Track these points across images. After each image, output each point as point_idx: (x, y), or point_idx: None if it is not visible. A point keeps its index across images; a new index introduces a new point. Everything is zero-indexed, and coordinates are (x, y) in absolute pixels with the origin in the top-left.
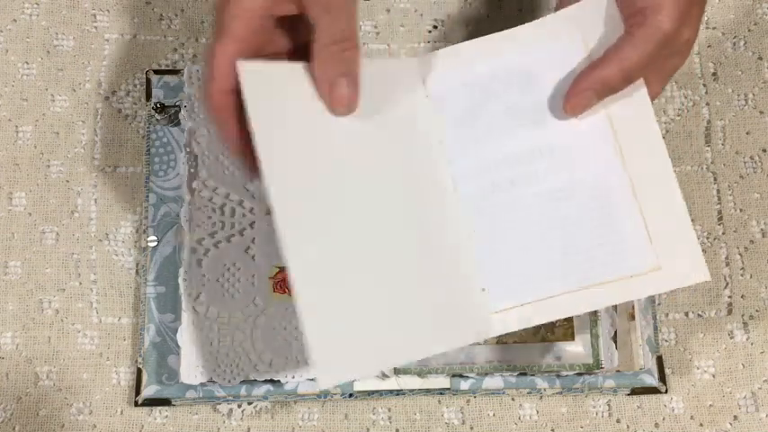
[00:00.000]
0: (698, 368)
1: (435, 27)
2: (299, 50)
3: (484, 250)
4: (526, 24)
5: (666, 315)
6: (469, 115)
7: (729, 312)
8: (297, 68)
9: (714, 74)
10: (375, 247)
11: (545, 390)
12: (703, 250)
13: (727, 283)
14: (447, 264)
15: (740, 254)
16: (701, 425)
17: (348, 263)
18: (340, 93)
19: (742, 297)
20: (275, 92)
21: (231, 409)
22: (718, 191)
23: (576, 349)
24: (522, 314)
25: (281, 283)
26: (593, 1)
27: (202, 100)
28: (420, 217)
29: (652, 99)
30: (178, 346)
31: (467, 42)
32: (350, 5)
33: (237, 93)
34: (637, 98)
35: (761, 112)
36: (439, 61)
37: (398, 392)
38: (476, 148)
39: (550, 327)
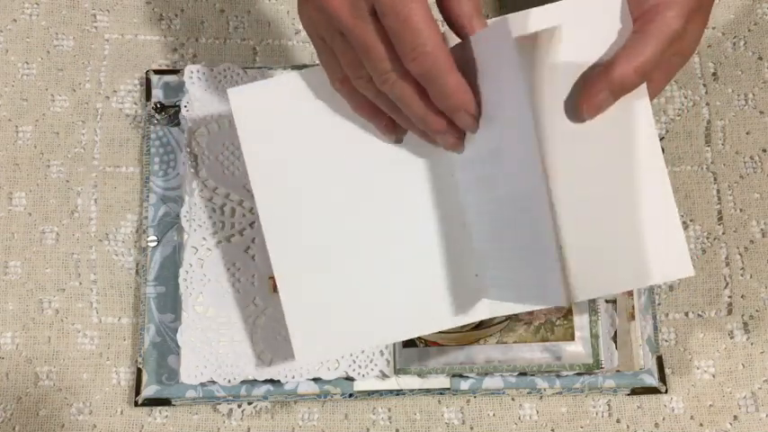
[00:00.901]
0: (698, 368)
1: None
2: None
3: (475, 239)
4: (535, 9)
5: (666, 315)
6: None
7: (729, 312)
8: (281, 81)
9: (714, 74)
10: (363, 231)
11: (545, 390)
12: (703, 250)
13: (727, 283)
14: (442, 247)
15: (740, 254)
16: (701, 425)
17: (334, 247)
18: None
19: (742, 297)
20: (263, 108)
21: (231, 409)
22: (718, 191)
23: (576, 349)
24: (504, 305)
25: None
26: None
27: (429, 60)
28: (413, 200)
29: (652, 97)
30: (178, 346)
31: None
32: None
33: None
34: (636, 94)
35: (761, 112)
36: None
37: (398, 392)
38: (476, 132)
39: (550, 327)
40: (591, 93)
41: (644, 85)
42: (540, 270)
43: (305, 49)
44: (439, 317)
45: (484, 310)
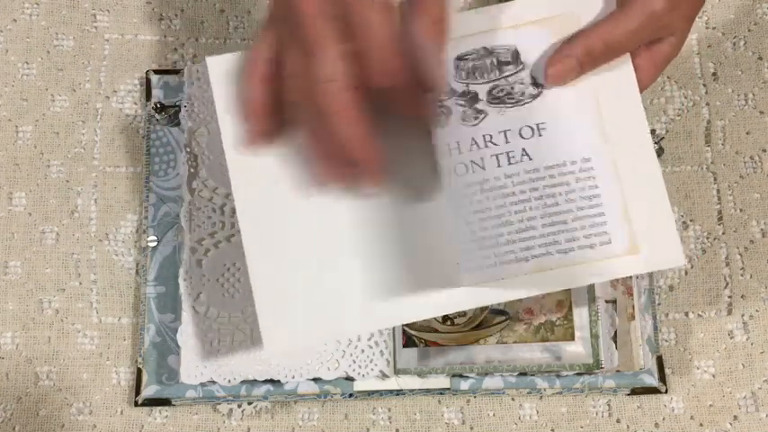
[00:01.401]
0: (698, 368)
1: None
2: None
3: (458, 226)
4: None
5: (666, 315)
6: (456, 89)
7: (729, 312)
8: None
9: (714, 74)
10: (339, 219)
11: (545, 390)
12: (703, 250)
13: (727, 283)
14: (419, 236)
15: (740, 254)
16: (701, 425)
17: (309, 234)
18: None
19: (742, 297)
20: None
21: (231, 409)
22: (718, 191)
23: (576, 349)
24: (495, 290)
25: None
26: None
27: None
28: (392, 189)
29: (643, 87)
30: (178, 346)
31: (462, 13)
32: None
33: None
34: (623, 79)
35: (761, 112)
36: None
37: (398, 392)
38: (457, 123)
39: (550, 327)
40: (557, 59)
41: (631, 71)
42: (600, 224)
43: None
44: (416, 307)
45: (465, 299)
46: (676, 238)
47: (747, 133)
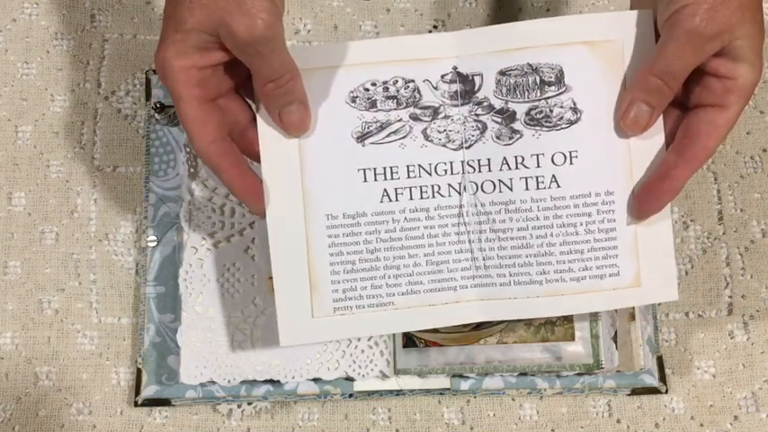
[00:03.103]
0: (698, 368)
1: (435, 27)
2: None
3: (475, 242)
4: (568, 17)
5: (666, 315)
6: (495, 105)
7: (730, 312)
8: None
9: None
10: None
11: (545, 390)
12: (703, 250)
13: (728, 283)
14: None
15: (740, 254)
16: (702, 425)
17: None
18: (289, 119)
19: (742, 297)
20: None
21: (231, 410)
22: (719, 191)
23: (576, 349)
24: (505, 308)
25: None
26: (634, 15)
27: (199, 157)
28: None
29: (706, 155)
30: (178, 346)
31: (505, 25)
32: (275, 40)
33: (223, 139)
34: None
35: (761, 112)
36: (472, 41)
37: (398, 392)
38: (491, 140)
39: (550, 327)
40: (625, 107)
41: (660, 119)
42: (611, 257)
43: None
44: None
45: (475, 313)
46: (674, 275)
47: (748, 133)
